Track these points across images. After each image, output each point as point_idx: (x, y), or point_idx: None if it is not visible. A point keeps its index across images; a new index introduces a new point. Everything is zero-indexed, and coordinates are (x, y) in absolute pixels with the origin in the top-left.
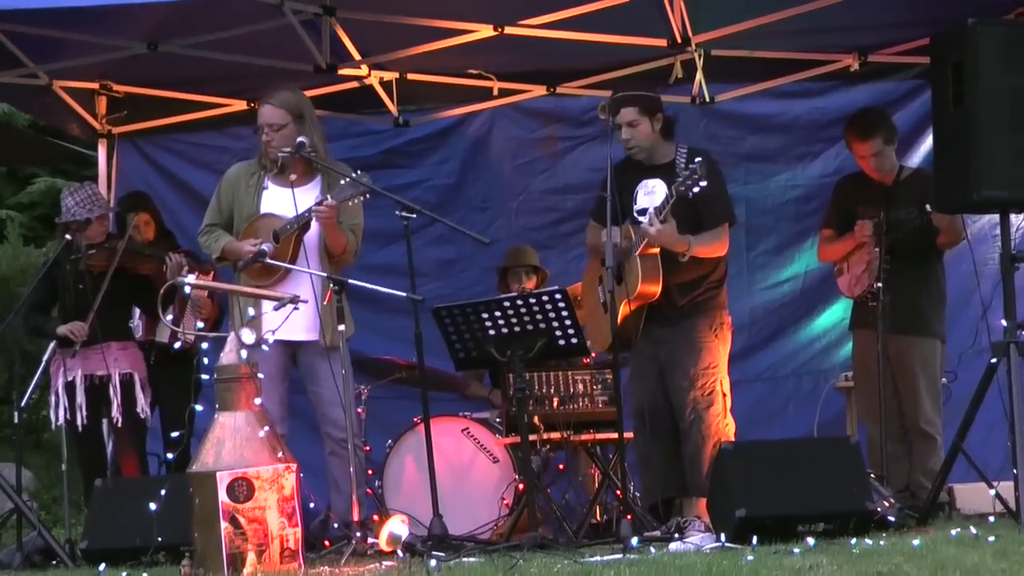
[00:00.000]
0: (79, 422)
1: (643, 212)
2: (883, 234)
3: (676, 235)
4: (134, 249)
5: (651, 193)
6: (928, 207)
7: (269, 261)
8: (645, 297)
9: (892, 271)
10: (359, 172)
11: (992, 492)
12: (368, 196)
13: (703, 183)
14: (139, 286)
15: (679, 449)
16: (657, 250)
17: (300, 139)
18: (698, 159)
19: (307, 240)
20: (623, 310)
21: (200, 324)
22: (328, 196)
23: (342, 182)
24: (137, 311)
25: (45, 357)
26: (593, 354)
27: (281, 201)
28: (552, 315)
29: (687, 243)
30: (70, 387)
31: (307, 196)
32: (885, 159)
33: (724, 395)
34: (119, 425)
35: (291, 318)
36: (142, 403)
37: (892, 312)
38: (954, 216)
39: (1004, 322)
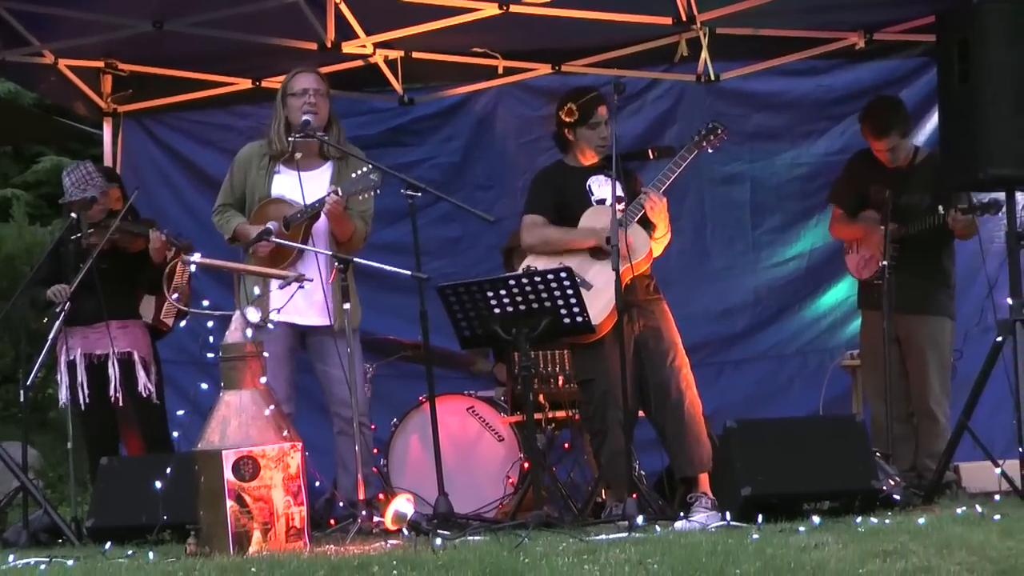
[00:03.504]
0: (81, 401)
1: (602, 202)
2: (892, 218)
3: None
4: (126, 228)
5: (605, 185)
6: (941, 208)
7: (275, 240)
8: (640, 267)
9: (903, 250)
10: (370, 167)
11: (998, 470)
12: (379, 191)
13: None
14: (135, 263)
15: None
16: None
17: (304, 118)
18: (712, 123)
19: (316, 227)
20: (626, 280)
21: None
22: (338, 189)
23: (353, 175)
24: None
25: (51, 335)
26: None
27: (292, 184)
28: (558, 293)
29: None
30: (71, 366)
31: (317, 181)
32: (901, 150)
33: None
34: (120, 404)
35: (301, 303)
36: (144, 381)
37: (903, 291)
38: (968, 217)
39: (1010, 300)
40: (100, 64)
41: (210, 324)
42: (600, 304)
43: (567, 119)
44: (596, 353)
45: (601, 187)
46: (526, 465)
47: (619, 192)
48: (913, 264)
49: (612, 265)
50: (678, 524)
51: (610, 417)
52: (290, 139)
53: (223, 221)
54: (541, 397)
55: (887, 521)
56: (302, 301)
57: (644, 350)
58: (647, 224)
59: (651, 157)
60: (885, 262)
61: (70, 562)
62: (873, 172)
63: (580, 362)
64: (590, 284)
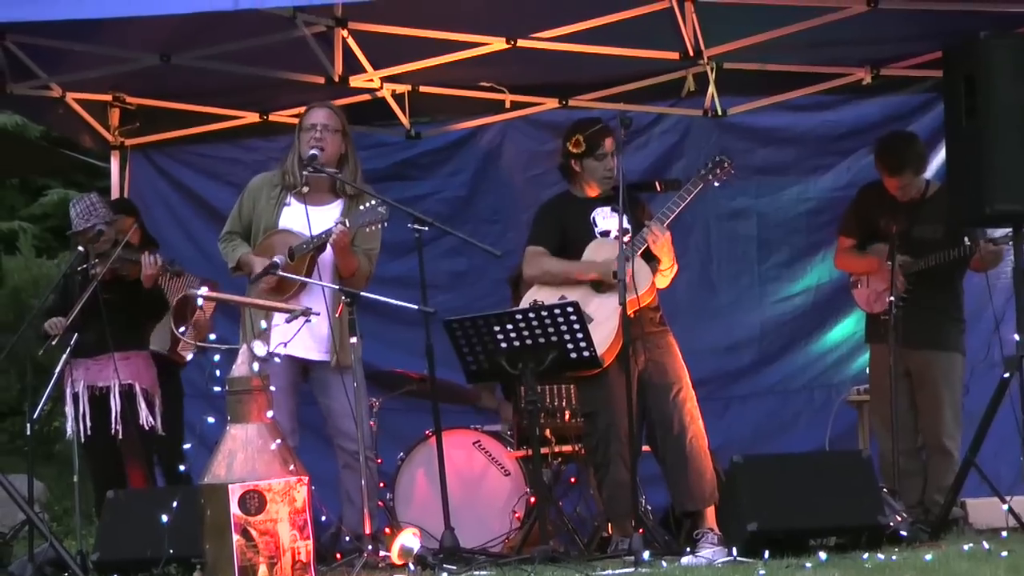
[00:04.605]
0: (84, 433)
1: (606, 234)
2: (905, 251)
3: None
4: (125, 256)
5: (610, 218)
6: (967, 240)
7: (281, 273)
8: (646, 299)
9: (917, 284)
10: (378, 200)
11: (1004, 507)
12: (386, 224)
13: (731, 174)
14: (138, 293)
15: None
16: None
17: (311, 151)
18: (719, 157)
19: (321, 260)
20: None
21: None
22: (346, 220)
23: (361, 208)
24: None
25: (57, 368)
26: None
27: (301, 218)
28: (564, 328)
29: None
30: (76, 398)
31: (326, 216)
32: (913, 187)
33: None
34: (122, 436)
35: (303, 336)
36: (145, 414)
37: (915, 326)
38: (999, 248)
39: (1017, 336)
40: (107, 97)
41: (216, 357)
42: (600, 337)
43: (574, 150)
44: (599, 386)
45: (606, 219)
46: (532, 499)
47: (626, 225)
48: (926, 298)
49: (619, 299)
50: (684, 559)
51: (613, 450)
52: (304, 172)
53: (228, 249)
54: (547, 431)
55: (894, 557)
56: (305, 334)
57: (648, 385)
58: (651, 257)
59: (658, 190)
60: (892, 298)
61: None
62: (883, 204)
63: (583, 395)
64: (591, 317)
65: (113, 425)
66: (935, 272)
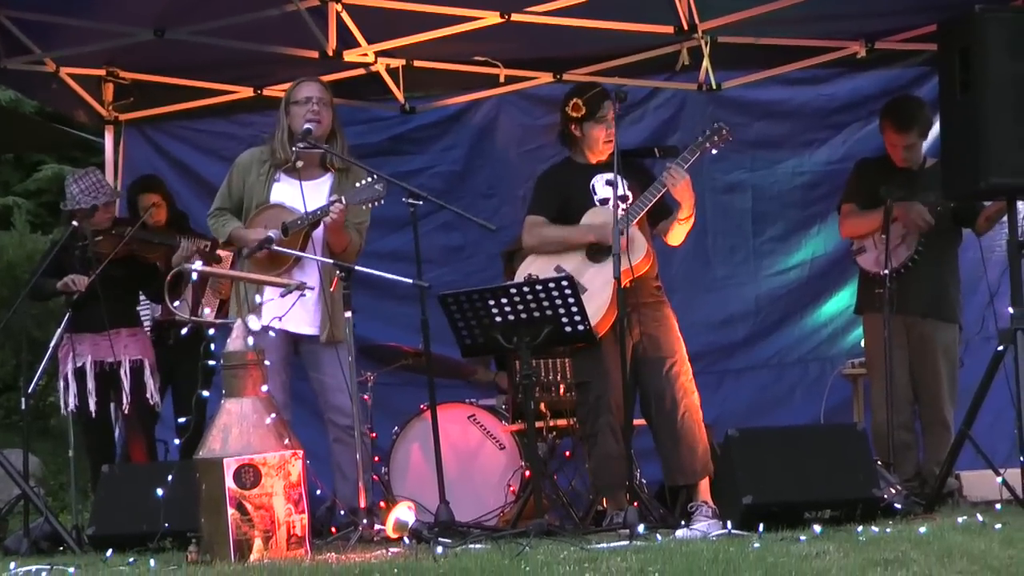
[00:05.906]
0: (90, 408)
1: (605, 202)
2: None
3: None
4: (143, 236)
5: (609, 185)
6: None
7: (276, 248)
8: (640, 269)
9: (920, 253)
10: (374, 176)
11: (999, 479)
12: (382, 202)
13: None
14: (147, 273)
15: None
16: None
17: (307, 126)
18: (718, 124)
19: (315, 235)
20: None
21: (206, 311)
22: (342, 198)
23: (356, 185)
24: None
25: (52, 343)
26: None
27: (292, 193)
28: (559, 302)
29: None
30: (80, 373)
31: (317, 191)
32: (916, 151)
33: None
34: (127, 412)
35: (295, 310)
36: (151, 389)
37: (918, 295)
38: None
39: (1011, 309)
40: (102, 72)
41: (211, 332)
42: (593, 307)
43: (574, 114)
44: (593, 357)
45: (605, 186)
46: (527, 473)
47: (625, 192)
48: (929, 267)
49: (614, 273)
50: (679, 532)
51: (602, 422)
52: (294, 148)
53: (219, 224)
54: (542, 405)
55: (888, 530)
56: (296, 308)
57: (641, 358)
58: (659, 217)
59: (656, 155)
60: (886, 271)
61: (71, 570)
62: (883, 174)
63: (577, 365)
64: (585, 287)
65: (125, 400)
66: (939, 239)
